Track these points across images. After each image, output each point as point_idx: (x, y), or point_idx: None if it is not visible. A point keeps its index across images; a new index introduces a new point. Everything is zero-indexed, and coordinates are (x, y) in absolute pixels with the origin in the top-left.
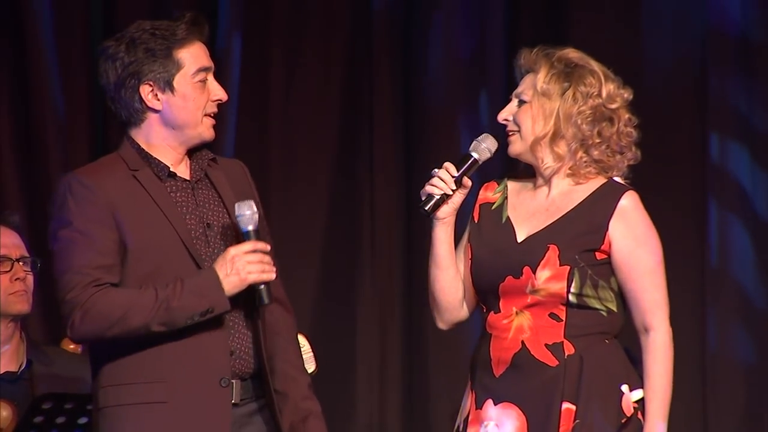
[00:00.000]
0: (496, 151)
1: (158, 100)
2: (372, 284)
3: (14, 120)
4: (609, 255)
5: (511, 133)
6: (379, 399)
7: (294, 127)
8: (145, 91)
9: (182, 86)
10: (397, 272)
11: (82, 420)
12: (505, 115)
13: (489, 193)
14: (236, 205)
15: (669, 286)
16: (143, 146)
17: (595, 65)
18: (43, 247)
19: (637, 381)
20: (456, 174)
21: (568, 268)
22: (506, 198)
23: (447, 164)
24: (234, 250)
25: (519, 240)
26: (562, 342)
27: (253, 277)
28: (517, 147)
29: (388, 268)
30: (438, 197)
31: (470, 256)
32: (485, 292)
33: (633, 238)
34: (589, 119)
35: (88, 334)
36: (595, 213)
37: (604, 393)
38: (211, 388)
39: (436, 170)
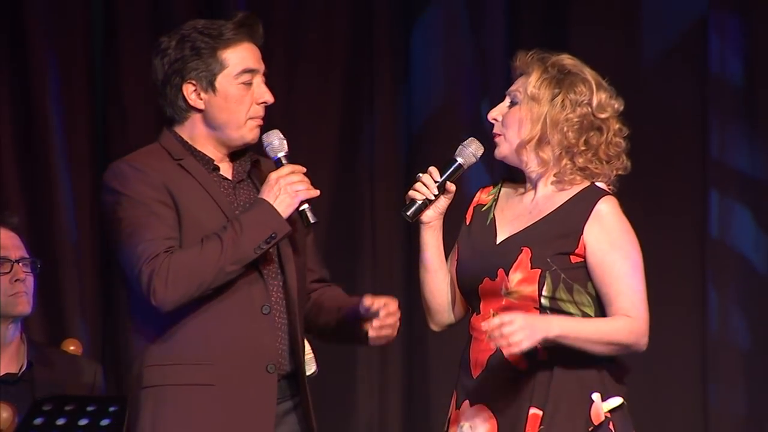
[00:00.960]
0: (482, 155)
1: (201, 99)
2: (372, 286)
3: (14, 120)
4: (584, 259)
5: (497, 135)
6: (380, 400)
7: (294, 128)
8: (188, 89)
9: (224, 87)
10: (397, 274)
11: (83, 421)
12: (495, 113)
13: (483, 196)
14: (263, 136)
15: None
16: (187, 140)
17: (588, 73)
18: (43, 247)
19: (613, 388)
20: (439, 179)
21: (539, 271)
22: (496, 200)
23: (431, 169)
24: (275, 174)
25: (498, 242)
26: (536, 346)
27: (303, 194)
28: (502, 150)
29: (389, 270)
30: (420, 202)
31: (456, 257)
32: (468, 294)
33: (608, 242)
34: (575, 127)
35: (176, 296)
36: (571, 217)
37: (572, 400)
38: (258, 374)
39: (420, 175)
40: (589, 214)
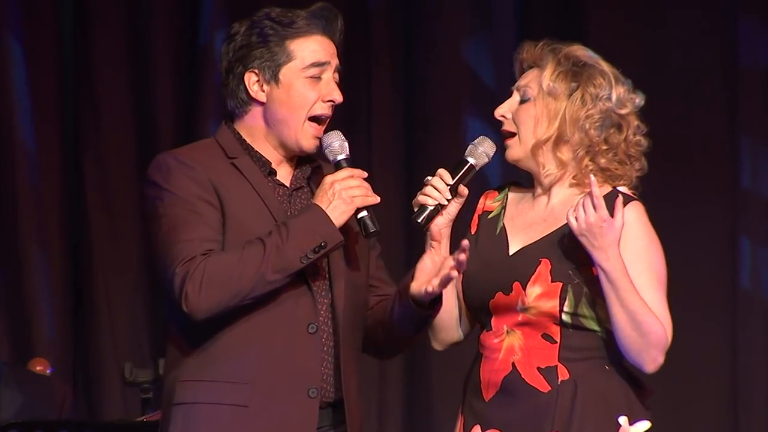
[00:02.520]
0: (495, 155)
1: (263, 91)
2: None
3: None
4: None
5: (508, 135)
6: (378, 423)
7: None
8: (251, 79)
9: (289, 79)
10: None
11: None
12: (503, 110)
13: (489, 202)
14: (323, 137)
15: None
16: (245, 138)
17: (605, 65)
18: (8, 251)
19: (640, 411)
20: (451, 182)
21: (561, 284)
22: (504, 207)
23: (441, 171)
24: (330, 178)
25: (511, 252)
26: (556, 366)
27: (360, 201)
28: (515, 151)
29: (387, 268)
30: (432, 208)
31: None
32: (477, 309)
33: (632, 252)
34: (597, 124)
35: (210, 303)
36: None
37: (598, 424)
38: (298, 398)
39: (429, 178)
40: None
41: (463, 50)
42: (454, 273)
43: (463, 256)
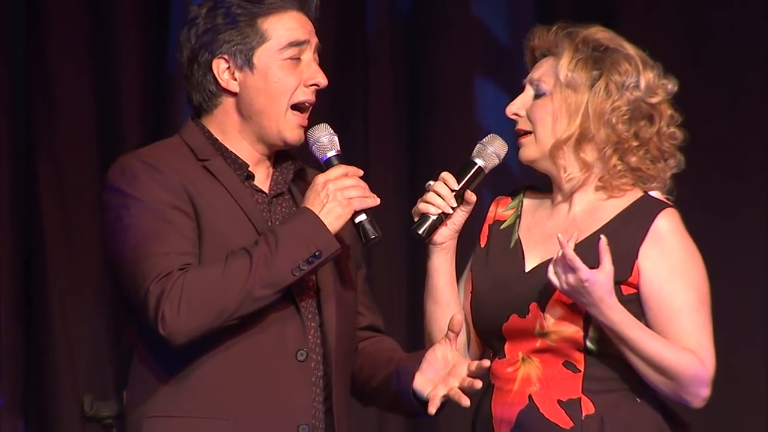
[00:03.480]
0: (506, 155)
1: (235, 79)
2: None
3: None
4: (638, 289)
5: (523, 134)
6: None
7: None
8: (220, 67)
9: (264, 62)
10: (398, 298)
11: None
12: (516, 107)
13: (501, 210)
14: (308, 132)
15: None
16: (217, 136)
17: (629, 48)
18: None
19: None
20: (456, 187)
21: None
22: (519, 216)
23: (445, 175)
24: (323, 177)
25: (527, 269)
26: (580, 398)
27: (357, 203)
28: (530, 151)
29: (387, 292)
30: (435, 217)
31: (471, 289)
32: (487, 334)
33: (667, 268)
34: (625, 117)
35: (191, 325)
36: (623, 236)
37: None
38: None
39: (432, 183)
40: (646, 233)
41: (472, 3)
42: (465, 401)
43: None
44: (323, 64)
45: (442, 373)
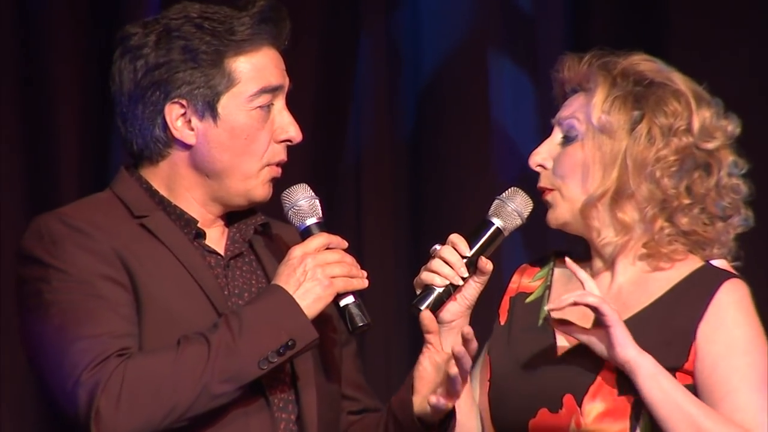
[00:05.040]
0: (531, 214)
1: (191, 129)
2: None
3: None
4: (694, 374)
5: (548, 190)
6: None
7: None
8: (173, 112)
9: (230, 112)
10: (395, 303)
11: None
12: (541, 157)
13: (526, 280)
14: (283, 194)
15: None
16: (157, 188)
17: (679, 81)
18: None
19: None
20: (468, 253)
21: (632, 399)
22: (549, 287)
23: (454, 238)
24: (300, 249)
25: (560, 353)
26: None
27: (341, 284)
28: (560, 212)
29: (381, 293)
30: (441, 290)
31: (488, 376)
32: (509, 431)
33: (725, 344)
34: (673, 169)
35: (132, 425)
36: (678, 314)
37: None
38: None
39: (438, 248)
40: (705, 309)
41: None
42: (458, 383)
43: (468, 354)
44: (307, 104)
45: (438, 380)
